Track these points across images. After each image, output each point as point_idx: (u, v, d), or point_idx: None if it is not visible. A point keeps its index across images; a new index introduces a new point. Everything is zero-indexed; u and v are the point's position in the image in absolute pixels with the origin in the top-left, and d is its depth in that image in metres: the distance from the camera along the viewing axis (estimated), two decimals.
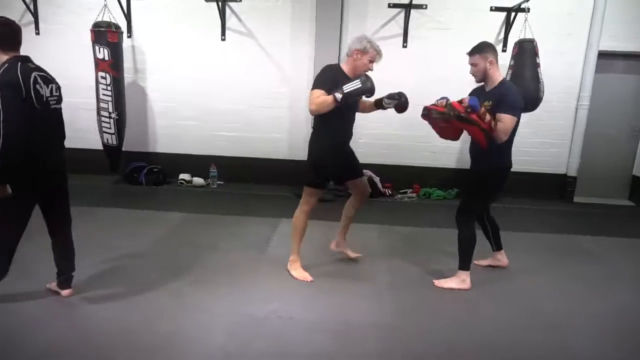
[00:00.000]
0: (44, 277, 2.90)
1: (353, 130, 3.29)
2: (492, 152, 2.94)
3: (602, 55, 5.67)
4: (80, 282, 2.99)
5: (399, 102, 3.14)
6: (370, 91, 2.87)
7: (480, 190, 3.13)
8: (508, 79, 5.24)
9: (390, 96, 3.15)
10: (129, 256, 3.46)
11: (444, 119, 2.87)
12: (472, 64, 3.03)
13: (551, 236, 4.46)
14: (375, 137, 5.90)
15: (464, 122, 2.80)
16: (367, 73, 2.96)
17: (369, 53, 3.01)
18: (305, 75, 5.92)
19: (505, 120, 2.83)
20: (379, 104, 3.25)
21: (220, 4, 5.71)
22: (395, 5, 5.68)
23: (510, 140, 2.97)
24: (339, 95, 2.81)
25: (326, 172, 3.18)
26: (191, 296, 2.87)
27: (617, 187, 6.25)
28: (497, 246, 3.51)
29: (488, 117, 2.81)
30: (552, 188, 6.07)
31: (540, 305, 2.97)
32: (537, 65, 5.20)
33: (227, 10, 5.86)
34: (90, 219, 4.33)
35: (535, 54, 5.19)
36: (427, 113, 2.96)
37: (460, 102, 2.83)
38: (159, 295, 2.87)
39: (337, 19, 5.63)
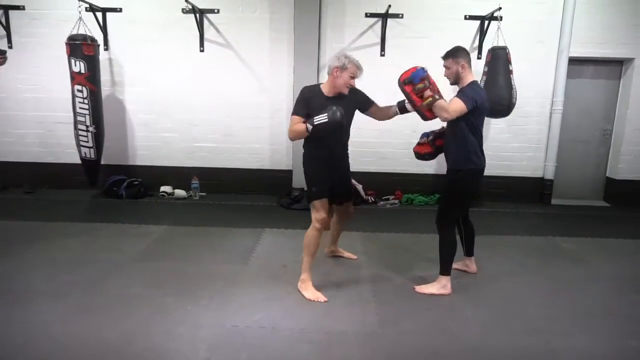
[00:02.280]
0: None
1: None
2: (463, 155, 3.04)
3: (573, 61, 5.85)
4: (58, 297, 2.94)
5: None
6: (338, 124, 2.84)
7: (455, 194, 3.16)
8: (482, 85, 5.37)
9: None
10: (108, 270, 3.40)
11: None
12: (445, 67, 3.15)
13: (530, 238, 4.55)
14: (356, 144, 5.87)
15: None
16: (336, 105, 2.88)
17: (349, 69, 3.01)
18: (284, 85, 5.94)
19: (453, 101, 2.96)
20: (404, 109, 3.25)
21: (197, 15, 5.71)
22: (372, 15, 5.77)
23: (478, 143, 3.07)
24: (309, 127, 2.89)
25: (318, 180, 3.12)
26: (172, 309, 2.83)
27: (592, 188, 6.42)
28: (467, 252, 3.52)
29: (427, 92, 2.96)
30: (530, 191, 6.19)
31: (522, 308, 3.02)
32: (510, 72, 5.33)
33: (205, 22, 5.86)
34: (69, 234, 4.25)
35: (507, 61, 5.32)
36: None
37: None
38: (139, 309, 2.82)
39: (315, 29, 5.69)
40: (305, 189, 3.26)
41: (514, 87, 5.32)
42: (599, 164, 6.37)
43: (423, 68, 3.01)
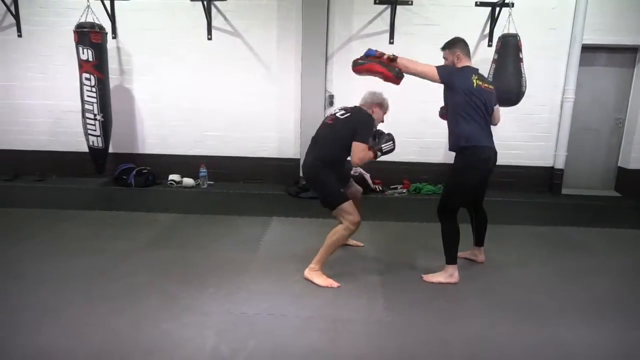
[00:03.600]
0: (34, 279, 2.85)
1: None
2: (463, 138, 3.00)
3: (586, 48, 5.74)
4: (67, 284, 2.97)
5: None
6: (393, 149, 3.22)
7: (457, 183, 3.11)
8: (492, 73, 5.30)
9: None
10: (116, 258, 3.43)
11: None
12: (444, 58, 3.19)
13: (540, 228, 4.51)
14: None
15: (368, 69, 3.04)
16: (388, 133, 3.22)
17: (385, 108, 3.31)
18: (292, 72, 5.91)
19: (424, 64, 2.98)
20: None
21: (205, 3, 5.68)
22: (381, 2, 5.70)
23: (470, 124, 2.98)
24: (379, 153, 3.13)
25: (335, 187, 3.15)
26: (181, 297, 2.85)
27: (603, 178, 6.34)
28: (477, 241, 3.50)
29: (385, 55, 3.02)
30: (540, 181, 6.14)
31: (530, 298, 3.00)
32: (520, 60, 5.24)
33: (213, 10, 5.83)
34: (78, 222, 4.29)
35: (518, 48, 5.23)
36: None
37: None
38: (148, 297, 2.84)
39: (323, 16, 5.64)
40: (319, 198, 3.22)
41: (523, 75, 5.24)
42: (610, 153, 6.29)
43: (373, 50, 3.10)
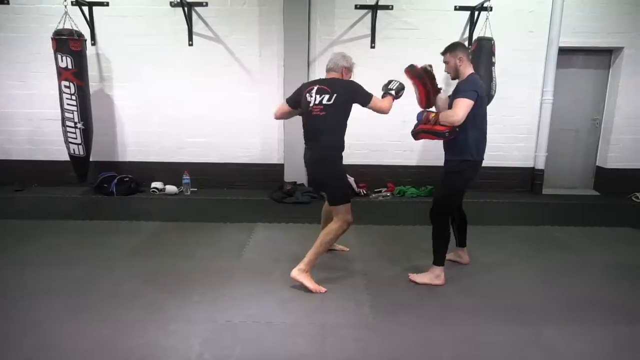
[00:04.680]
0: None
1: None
2: (460, 146, 3.04)
3: (563, 51, 5.87)
4: (50, 294, 2.91)
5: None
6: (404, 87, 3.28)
7: (451, 185, 3.16)
8: None
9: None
10: (99, 268, 3.37)
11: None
12: (445, 62, 3.19)
13: (522, 228, 4.58)
14: (348, 137, 5.93)
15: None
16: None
17: (353, 72, 3.30)
18: (275, 78, 5.91)
19: (456, 102, 2.94)
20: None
21: (186, 9, 5.64)
22: (361, 7, 5.74)
23: (481, 136, 3.07)
24: (393, 93, 3.22)
25: (345, 182, 3.33)
26: (165, 305, 2.81)
27: (582, 177, 6.47)
28: (459, 242, 3.52)
29: (429, 117, 3.11)
30: (521, 181, 6.23)
31: (514, 297, 3.03)
32: (492, 64, 5.34)
33: (194, 15, 5.80)
34: (59, 232, 4.21)
35: (491, 52, 5.33)
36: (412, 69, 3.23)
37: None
38: (131, 306, 2.80)
39: (305, 21, 5.66)
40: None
41: (494, 79, 5.36)
42: (588, 153, 6.42)
43: (420, 113, 3.23)
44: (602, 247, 4.06)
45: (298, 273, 3.06)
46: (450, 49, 3.15)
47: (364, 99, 3.09)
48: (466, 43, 5.81)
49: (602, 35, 5.85)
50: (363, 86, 3.13)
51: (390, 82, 3.27)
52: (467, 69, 3.10)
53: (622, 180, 6.12)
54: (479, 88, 2.99)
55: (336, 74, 3.20)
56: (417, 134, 3.19)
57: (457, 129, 2.97)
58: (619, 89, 6.02)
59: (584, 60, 6.16)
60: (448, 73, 3.21)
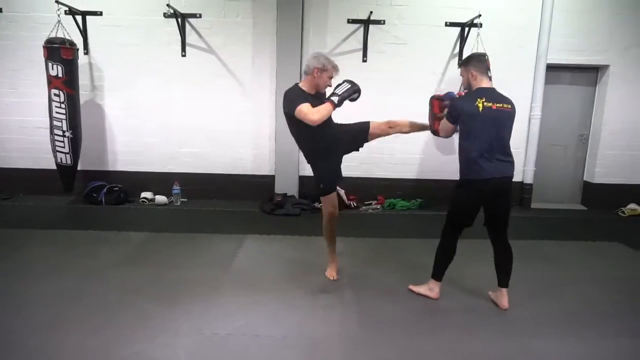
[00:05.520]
0: None
1: None
2: (461, 164, 2.98)
3: (551, 67, 5.98)
4: (35, 306, 2.87)
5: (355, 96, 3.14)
6: (358, 90, 3.06)
7: (451, 200, 3.11)
8: (462, 92, 5.43)
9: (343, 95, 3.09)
10: (86, 278, 3.32)
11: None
12: (460, 75, 3.19)
13: (513, 242, 4.57)
14: None
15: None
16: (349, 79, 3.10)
17: (328, 70, 3.12)
18: (267, 89, 5.94)
19: (444, 122, 3.09)
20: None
21: (179, 20, 5.67)
22: (354, 21, 5.81)
23: (481, 149, 2.85)
24: (334, 99, 2.96)
25: (327, 176, 3.32)
26: (152, 317, 2.78)
27: (570, 192, 6.55)
28: (498, 280, 3.09)
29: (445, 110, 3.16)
30: None
31: (504, 312, 3.03)
32: (489, 79, 5.38)
33: (187, 26, 5.82)
34: (46, 242, 4.15)
35: (487, 68, 5.38)
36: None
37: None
38: (118, 317, 2.77)
39: (298, 34, 5.71)
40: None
41: None
42: (576, 168, 6.51)
43: (454, 93, 3.35)
44: (590, 261, 4.09)
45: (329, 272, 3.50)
46: (464, 63, 3.13)
47: (290, 108, 2.99)
48: (457, 59, 5.90)
49: (589, 53, 5.97)
50: (294, 93, 3.05)
51: (338, 85, 3.04)
52: (477, 84, 2.99)
53: (609, 195, 6.20)
54: (463, 105, 2.93)
55: (309, 77, 3.14)
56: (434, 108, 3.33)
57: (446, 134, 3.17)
58: (605, 105, 6.13)
59: (572, 77, 6.28)
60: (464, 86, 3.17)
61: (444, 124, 3.08)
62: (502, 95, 3.02)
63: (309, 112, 2.91)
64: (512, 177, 3.00)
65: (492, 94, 2.95)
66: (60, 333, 2.58)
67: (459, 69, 3.24)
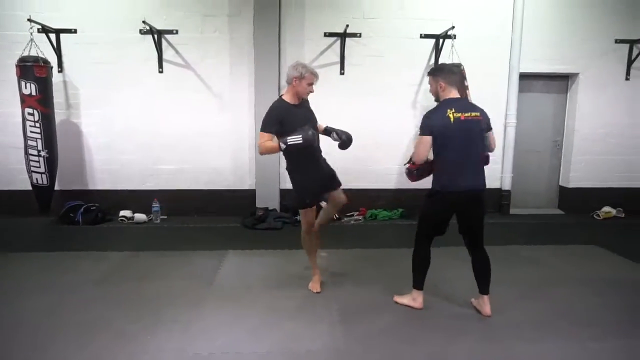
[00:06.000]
0: None
1: None
2: (434, 176, 3.01)
3: (523, 76, 6.14)
4: (8, 329, 2.78)
5: (342, 142, 3.36)
6: (310, 143, 3.03)
7: (422, 210, 3.15)
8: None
9: (338, 133, 3.37)
10: (63, 300, 3.23)
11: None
12: (429, 84, 3.13)
13: (491, 248, 4.61)
14: None
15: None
16: (307, 125, 3.11)
17: (306, 78, 3.20)
18: (245, 104, 5.94)
19: (415, 143, 3.00)
20: (328, 133, 3.45)
21: (156, 36, 5.65)
22: (330, 34, 5.87)
23: (455, 163, 2.88)
24: (282, 146, 3.05)
25: (311, 191, 3.34)
26: (132, 336, 2.72)
27: (547, 197, 6.68)
28: (479, 288, 3.11)
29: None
30: (489, 202, 6.35)
31: (486, 317, 3.06)
32: (466, 88, 5.51)
33: (164, 43, 5.80)
34: (21, 264, 4.04)
35: (463, 77, 5.50)
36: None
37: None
38: (97, 337, 2.70)
39: (275, 48, 5.74)
40: (292, 198, 3.53)
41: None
42: (552, 173, 6.66)
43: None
44: (569, 264, 4.17)
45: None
46: (432, 72, 3.07)
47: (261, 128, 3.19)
48: None
49: (559, 62, 6.16)
50: (269, 116, 3.16)
51: (294, 134, 3.03)
52: (445, 95, 2.97)
53: (584, 199, 6.35)
54: (434, 121, 2.89)
55: (289, 87, 3.26)
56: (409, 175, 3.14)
57: (430, 165, 2.99)
58: (576, 112, 6.31)
59: (544, 85, 6.46)
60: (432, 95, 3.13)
61: (418, 143, 2.93)
62: (471, 104, 3.06)
63: (261, 143, 3.16)
64: (484, 188, 3.00)
65: (460, 104, 2.94)
66: (36, 353, 2.50)
67: (428, 78, 3.14)
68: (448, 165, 2.90)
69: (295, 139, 3.00)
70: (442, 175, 2.93)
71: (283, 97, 3.29)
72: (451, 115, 2.85)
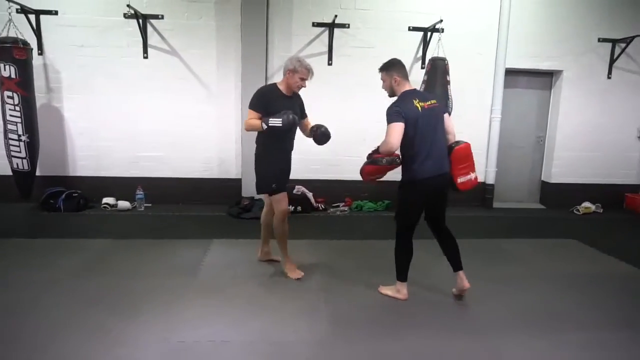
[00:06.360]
0: None
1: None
2: (404, 166, 3.05)
3: (509, 72, 6.20)
4: None
5: (316, 135, 3.44)
6: (290, 126, 3.23)
7: (399, 203, 3.19)
8: None
9: (315, 128, 3.46)
10: (42, 289, 3.17)
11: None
12: (381, 80, 3.17)
13: (474, 241, 4.72)
14: (306, 153, 5.95)
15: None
16: (291, 109, 3.29)
17: (299, 72, 3.33)
18: (232, 92, 5.88)
19: (387, 130, 2.92)
20: (311, 133, 3.52)
21: (140, 21, 5.53)
22: (319, 24, 5.84)
23: (414, 153, 2.94)
24: (264, 126, 3.22)
25: (278, 177, 3.42)
26: (113, 329, 2.68)
27: (529, 192, 6.81)
28: (452, 266, 3.24)
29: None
30: (473, 196, 6.44)
31: (467, 309, 3.12)
32: (447, 83, 5.56)
33: (149, 28, 5.69)
34: (2, 251, 3.94)
35: (445, 71, 5.55)
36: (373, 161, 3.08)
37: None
38: (77, 331, 2.65)
39: (263, 37, 5.68)
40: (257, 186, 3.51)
41: (450, 97, 5.57)
42: (534, 168, 6.77)
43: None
44: (549, 258, 4.26)
45: (287, 268, 3.57)
46: (385, 68, 3.11)
47: (249, 104, 3.35)
48: (420, 62, 6.03)
49: (543, 59, 6.24)
50: (257, 95, 3.34)
51: (277, 115, 3.19)
52: (401, 88, 3.05)
53: (565, 194, 6.48)
54: (403, 107, 2.92)
55: (283, 79, 3.42)
56: (362, 171, 3.12)
57: (399, 156, 2.99)
58: (559, 108, 6.41)
59: (528, 81, 6.53)
60: (385, 90, 3.18)
61: (391, 130, 2.88)
62: (427, 93, 3.22)
63: (248, 120, 3.31)
64: (448, 173, 3.09)
65: (420, 95, 3.10)
66: (10, 348, 2.45)
67: (380, 74, 3.16)
68: (418, 153, 2.95)
69: (276, 121, 3.18)
70: (412, 164, 2.98)
71: (278, 84, 3.45)
72: (418, 105, 2.94)
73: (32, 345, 2.48)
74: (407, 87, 3.07)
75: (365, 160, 3.12)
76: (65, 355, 2.41)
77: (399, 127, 2.87)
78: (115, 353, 2.43)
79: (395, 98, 3.09)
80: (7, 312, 2.84)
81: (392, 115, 2.91)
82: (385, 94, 3.23)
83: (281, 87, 3.41)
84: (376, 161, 3.01)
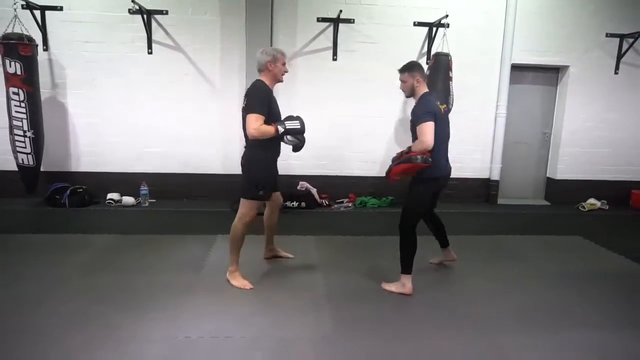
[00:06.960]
0: None
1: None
2: (428, 176, 3.16)
3: (515, 67, 6.16)
4: None
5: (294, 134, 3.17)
6: (303, 132, 3.15)
7: (415, 198, 3.22)
8: None
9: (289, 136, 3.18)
10: (49, 285, 3.20)
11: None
12: (401, 80, 3.23)
13: (478, 237, 4.72)
14: (310, 149, 5.94)
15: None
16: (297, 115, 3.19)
17: (279, 58, 3.19)
18: (236, 88, 5.87)
19: (421, 129, 3.02)
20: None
21: (145, 16, 5.53)
22: (323, 20, 5.81)
23: (439, 150, 3.11)
24: (280, 129, 3.05)
25: (266, 183, 3.26)
26: (119, 324, 2.70)
27: (534, 188, 6.77)
28: (441, 244, 3.75)
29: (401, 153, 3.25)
30: (477, 192, 6.44)
31: (471, 306, 3.11)
32: (450, 79, 5.53)
33: (154, 23, 5.69)
34: (6, 247, 3.98)
35: (448, 67, 5.52)
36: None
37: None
38: (83, 326, 2.67)
39: (267, 33, 5.66)
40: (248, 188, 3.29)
41: (451, 93, 5.55)
42: (539, 165, 6.73)
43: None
44: (554, 255, 4.24)
45: (228, 274, 3.34)
46: (409, 69, 3.20)
47: (247, 109, 3.04)
48: (425, 58, 6.00)
49: (550, 54, 6.19)
50: (259, 97, 3.05)
51: (291, 118, 3.13)
52: (422, 89, 3.20)
53: (570, 190, 6.45)
54: (434, 108, 3.08)
55: (264, 73, 3.18)
56: (390, 171, 3.22)
57: (430, 154, 3.05)
58: (565, 104, 6.36)
59: (534, 77, 6.49)
60: (403, 91, 3.27)
61: (427, 129, 2.98)
62: (437, 96, 3.45)
63: (258, 127, 2.99)
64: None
65: (436, 97, 3.31)
66: (20, 344, 2.47)
67: (401, 75, 3.21)
68: (438, 151, 3.12)
69: (293, 123, 3.09)
70: (435, 162, 3.10)
71: (264, 81, 3.20)
72: (440, 106, 3.17)
73: (39, 340, 2.50)
74: (426, 89, 3.22)
75: (391, 162, 3.25)
76: (74, 350, 2.42)
77: (433, 127, 3.01)
78: (123, 349, 2.44)
79: (412, 99, 3.26)
80: (15, 308, 2.86)
81: (425, 115, 3.03)
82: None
83: (268, 83, 3.19)
84: (411, 159, 3.06)
